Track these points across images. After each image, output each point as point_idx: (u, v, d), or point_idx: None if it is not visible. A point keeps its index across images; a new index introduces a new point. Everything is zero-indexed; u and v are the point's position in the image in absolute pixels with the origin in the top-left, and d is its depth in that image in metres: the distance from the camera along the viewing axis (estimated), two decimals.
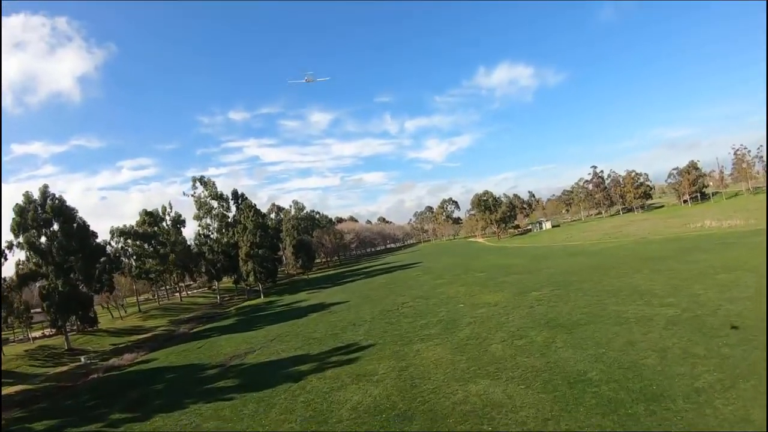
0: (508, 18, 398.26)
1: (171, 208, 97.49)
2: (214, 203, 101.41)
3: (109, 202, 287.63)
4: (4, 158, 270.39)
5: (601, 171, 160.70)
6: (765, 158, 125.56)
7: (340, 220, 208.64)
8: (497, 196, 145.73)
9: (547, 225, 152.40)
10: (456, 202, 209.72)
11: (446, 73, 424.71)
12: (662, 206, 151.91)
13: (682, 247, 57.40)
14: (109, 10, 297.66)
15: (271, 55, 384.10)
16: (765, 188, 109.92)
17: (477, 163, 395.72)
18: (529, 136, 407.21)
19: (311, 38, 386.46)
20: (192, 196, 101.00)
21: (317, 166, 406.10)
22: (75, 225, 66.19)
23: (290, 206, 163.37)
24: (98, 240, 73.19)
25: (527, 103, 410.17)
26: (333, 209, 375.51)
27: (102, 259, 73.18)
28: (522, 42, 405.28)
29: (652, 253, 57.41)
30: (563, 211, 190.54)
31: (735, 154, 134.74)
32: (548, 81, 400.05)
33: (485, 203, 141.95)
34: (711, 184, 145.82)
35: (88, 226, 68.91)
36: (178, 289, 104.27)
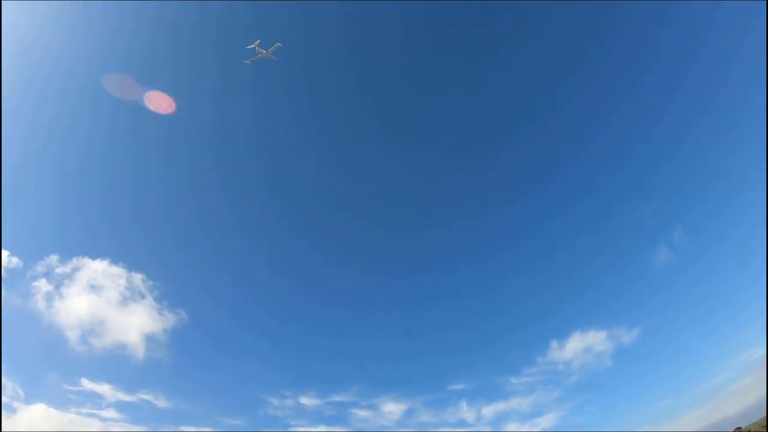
0: (571, 288, 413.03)
1: None
2: None
3: None
4: (72, 387, 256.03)
5: None
6: None
7: None
8: None
9: None
10: None
11: (519, 354, 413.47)
12: None
13: None
14: (184, 277, 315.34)
15: (344, 343, 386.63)
16: None
17: None
18: (614, 403, 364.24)
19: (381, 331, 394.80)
20: None
21: None
22: None
23: None
24: None
25: (606, 368, 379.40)
26: None
27: None
28: (588, 308, 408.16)
29: None
30: None
31: None
32: (623, 340, 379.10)
33: None
34: None
35: None
36: None
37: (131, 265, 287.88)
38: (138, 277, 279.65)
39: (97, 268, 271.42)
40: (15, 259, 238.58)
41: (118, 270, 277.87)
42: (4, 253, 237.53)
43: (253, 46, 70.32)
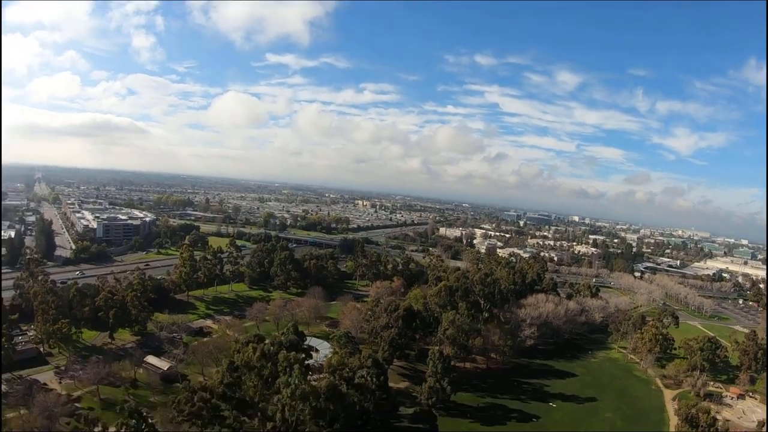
0: None
1: None
2: None
3: (341, 124, 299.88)
4: (258, 63, 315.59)
5: None
6: None
7: (532, 287, 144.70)
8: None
9: None
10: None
11: (713, 57, 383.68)
12: None
13: None
14: None
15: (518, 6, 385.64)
16: None
17: (725, 168, 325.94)
18: None
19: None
20: None
21: (555, 127, 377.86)
22: None
23: None
24: None
25: None
26: (562, 177, 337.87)
27: None
28: None
29: None
30: None
31: None
32: None
33: None
34: None
35: None
36: None
37: None
38: None
39: None
40: None
41: None
42: None
43: None
